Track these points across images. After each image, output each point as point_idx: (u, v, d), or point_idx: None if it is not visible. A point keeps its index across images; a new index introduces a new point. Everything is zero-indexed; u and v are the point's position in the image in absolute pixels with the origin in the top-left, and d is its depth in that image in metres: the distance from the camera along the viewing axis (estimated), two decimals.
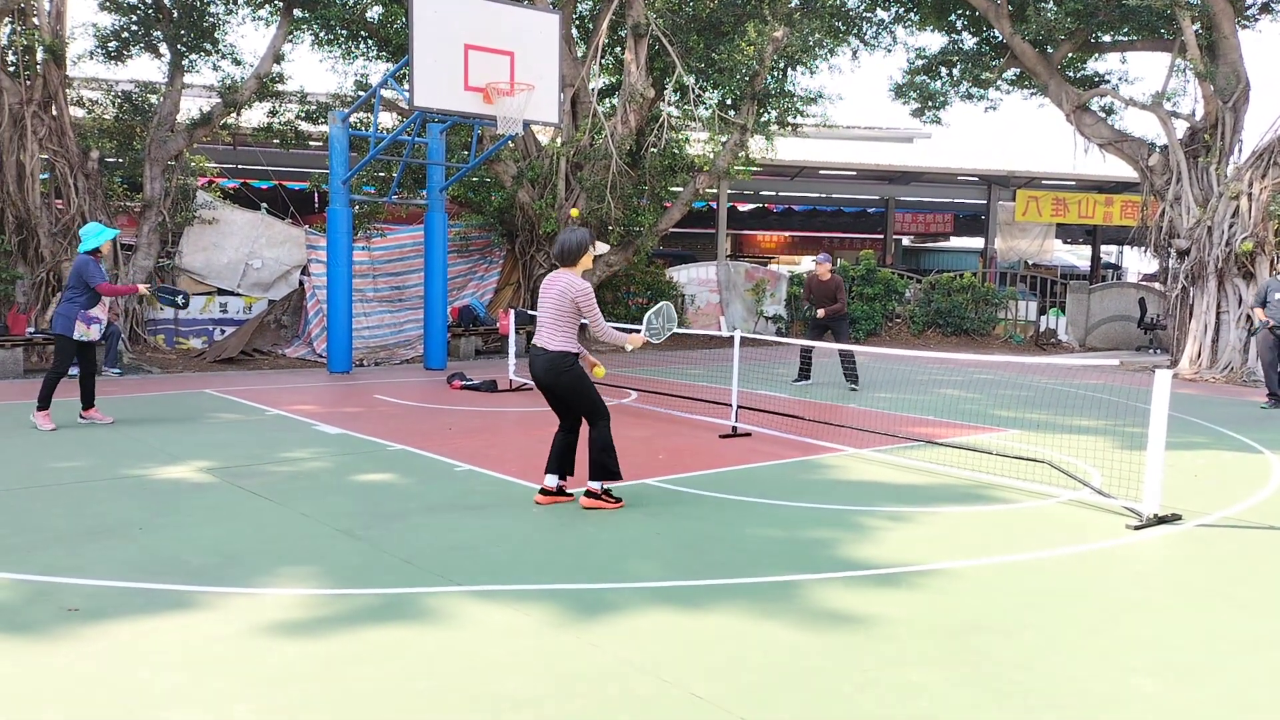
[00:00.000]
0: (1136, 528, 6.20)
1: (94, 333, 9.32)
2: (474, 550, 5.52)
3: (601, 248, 6.59)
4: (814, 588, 4.96)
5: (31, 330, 14.33)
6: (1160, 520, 6.30)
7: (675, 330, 7.01)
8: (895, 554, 5.55)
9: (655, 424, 10.08)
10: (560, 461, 6.60)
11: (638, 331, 6.78)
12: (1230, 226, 16.16)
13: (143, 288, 9.91)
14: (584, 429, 6.60)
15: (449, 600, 4.68)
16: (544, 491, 6.61)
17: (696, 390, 12.49)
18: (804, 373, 13.77)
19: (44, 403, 9.21)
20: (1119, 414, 11.45)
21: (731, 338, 9.90)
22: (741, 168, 20.01)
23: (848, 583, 5.04)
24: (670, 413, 10.80)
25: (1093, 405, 12.27)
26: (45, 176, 14.99)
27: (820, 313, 13.34)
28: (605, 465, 6.39)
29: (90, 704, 3.55)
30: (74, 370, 9.51)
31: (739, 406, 9.66)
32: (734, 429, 9.45)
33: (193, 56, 16.60)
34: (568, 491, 6.66)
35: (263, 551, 5.44)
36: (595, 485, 6.44)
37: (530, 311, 17.08)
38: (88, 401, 9.59)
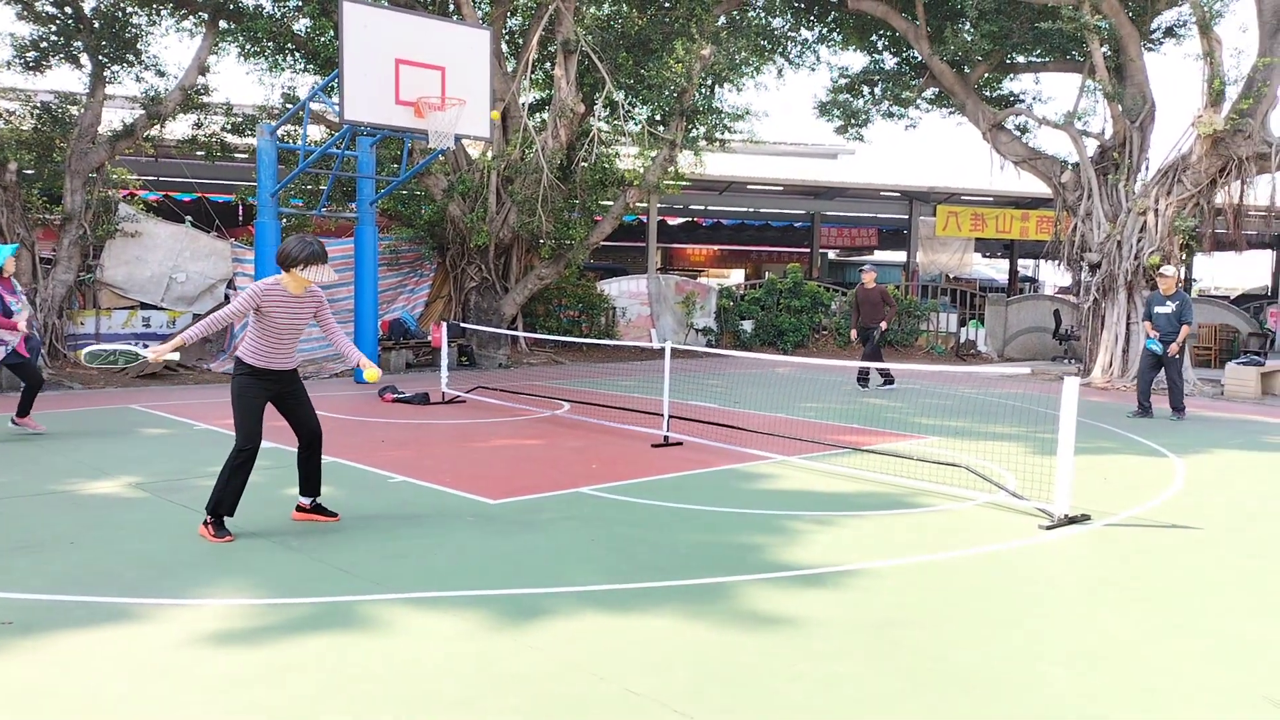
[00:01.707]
0: (1048, 528, 6.51)
1: (3, 350, 9.21)
2: (411, 559, 5.60)
3: (328, 276, 6.02)
4: (743, 589, 5.14)
5: None
6: (1070, 520, 6.62)
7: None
8: (821, 556, 5.77)
9: (588, 434, 10.22)
10: (302, 481, 6.41)
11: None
12: (1139, 241, 16.87)
13: (21, 325, 9.32)
14: (322, 444, 6.41)
15: (387, 608, 4.76)
16: (298, 509, 6.48)
17: (629, 401, 12.66)
18: (887, 377, 15.27)
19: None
20: (1033, 421, 11.90)
21: (662, 349, 10.09)
22: (671, 182, 20.30)
23: (775, 583, 5.23)
24: (603, 423, 10.94)
25: (1009, 413, 12.71)
26: None
27: (883, 325, 14.98)
28: (216, 490, 5.94)
29: (38, 713, 3.57)
30: None
31: (670, 416, 9.85)
32: (666, 438, 9.63)
33: (115, 67, 16.32)
34: (327, 510, 6.47)
35: (197, 564, 5.45)
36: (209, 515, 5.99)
37: (462, 324, 17.17)
38: (22, 410, 9.51)
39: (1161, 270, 12.78)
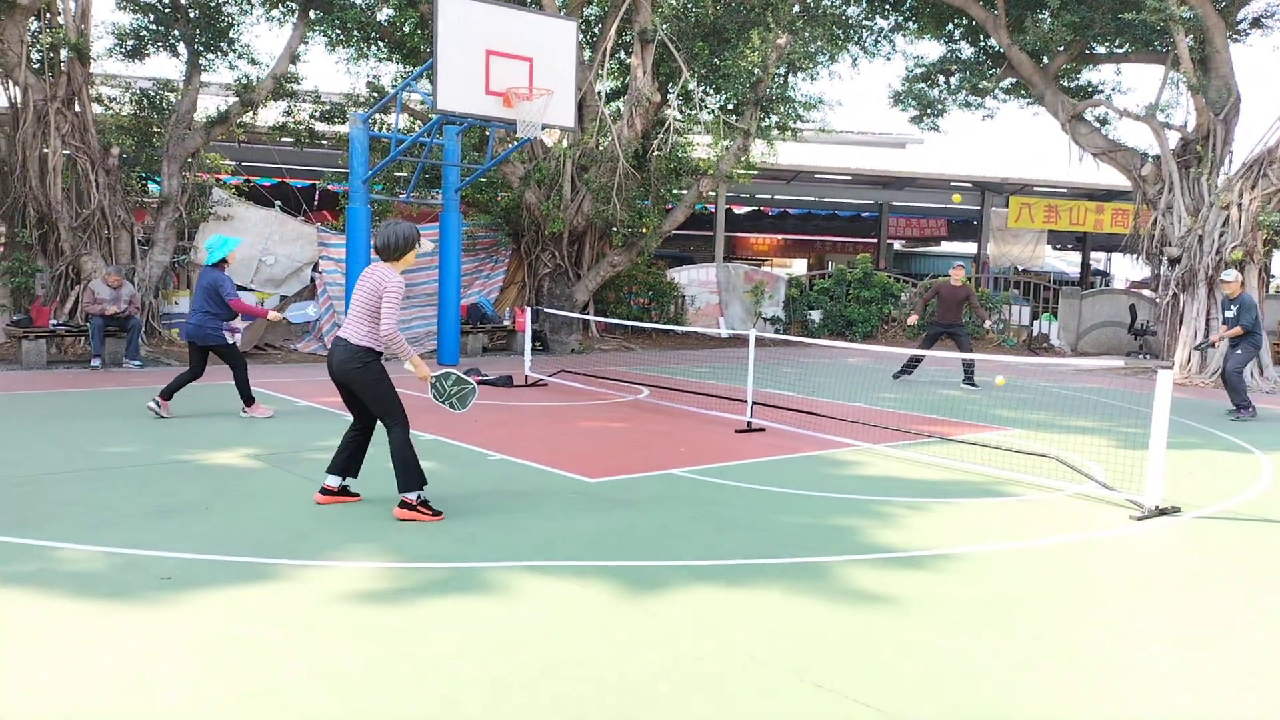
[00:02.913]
0: (1140, 518, 6.61)
1: (239, 338, 9.66)
2: (525, 530, 5.89)
3: (426, 245, 6.09)
4: (846, 568, 5.35)
5: (55, 323, 14.60)
6: (1161, 512, 6.71)
7: (466, 409, 6.62)
8: (918, 540, 5.95)
9: (671, 419, 10.46)
10: (345, 461, 6.35)
11: (429, 368, 6.43)
12: (1221, 235, 16.65)
13: (273, 314, 10.07)
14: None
15: (513, 574, 5.04)
16: (324, 490, 6.39)
17: (705, 387, 12.87)
18: (909, 368, 15.04)
19: (250, 398, 9.81)
20: (1114, 415, 11.89)
21: (729, 338, 10.27)
22: (743, 171, 20.43)
23: (877, 564, 5.43)
24: (684, 408, 11.18)
25: (1089, 406, 12.70)
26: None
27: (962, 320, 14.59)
28: (407, 472, 6.01)
29: (208, 657, 3.91)
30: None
31: (754, 403, 10.04)
32: (749, 424, 9.84)
33: (209, 56, 16.90)
34: (351, 491, 6.47)
35: (327, 529, 5.80)
36: (410, 495, 6.04)
37: (544, 309, 17.51)
38: (248, 399, 9.88)
39: (1224, 277, 12.62)
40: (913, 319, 14.94)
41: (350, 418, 6.42)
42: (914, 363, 15.10)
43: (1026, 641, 4.34)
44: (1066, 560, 5.63)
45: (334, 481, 6.38)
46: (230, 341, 9.79)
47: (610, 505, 6.60)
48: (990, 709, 3.66)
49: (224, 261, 9.53)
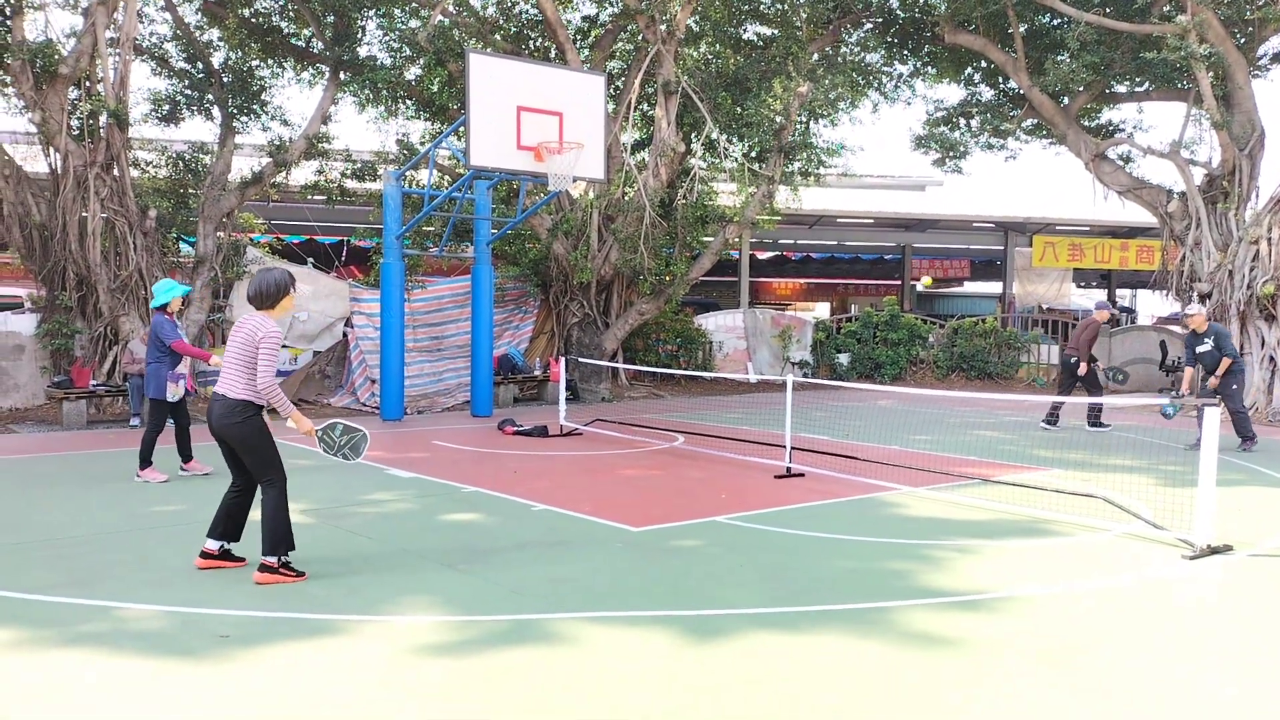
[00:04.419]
0: (1192, 558, 6.55)
1: (180, 389, 9.59)
2: (575, 581, 5.90)
3: (303, 289, 5.83)
4: (903, 613, 5.32)
5: (95, 383, 14.81)
6: (1214, 551, 6.64)
7: (361, 458, 6.48)
8: (971, 583, 5.91)
9: (709, 465, 10.47)
10: (224, 524, 6.10)
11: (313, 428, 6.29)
12: (1251, 270, 16.59)
13: (215, 359, 9.25)
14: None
15: (568, 625, 5.05)
16: (204, 554, 6.11)
17: (737, 433, 12.87)
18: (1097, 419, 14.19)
19: (145, 461, 9.43)
20: (1153, 453, 11.79)
21: (757, 383, 10.28)
22: (767, 218, 20.56)
23: (934, 608, 5.40)
24: (721, 454, 11.18)
25: (1126, 445, 12.61)
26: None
27: (1083, 367, 13.87)
28: (275, 537, 5.82)
29: (266, 717, 3.94)
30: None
31: (792, 448, 10.04)
32: (788, 469, 9.82)
33: (243, 118, 17.26)
34: (235, 556, 6.16)
35: (379, 583, 5.83)
36: (271, 559, 5.83)
37: (575, 358, 17.60)
38: (185, 455, 9.76)
39: (1187, 310, 12.55)
40: (1083, 369, 14.06)
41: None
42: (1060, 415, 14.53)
43: (1095, 686, 4.30)
44: (1125, 602, 5.58)
45: (214, 545, 6.11)
46: (170, 397, 9.47)
47: (657, 554, 6.60)
48: None
49: (165, 308, 9.42)
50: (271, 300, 5.93)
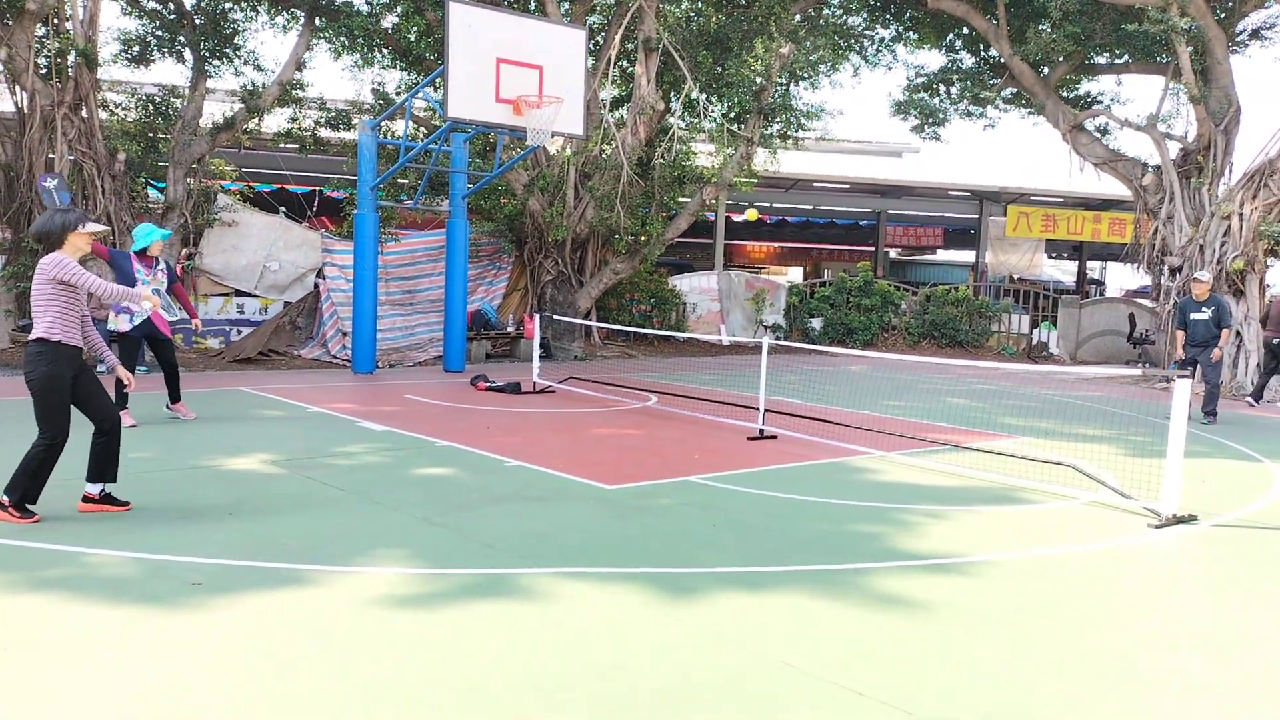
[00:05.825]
0: (1157, 526, 6.65)
1: (123, 322, 9.40)
2: (548, 537, 5.90)
3: (94, 227, 5.97)
4: (871, 575, 5.37)
5: None
6: (1179, 520, 6.75)
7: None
8: (940, 546, 5.98)
9: (683, 426, 10.49)
10: (96, 467, 6.13)
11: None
12: (1222, 245, 16.75)
13: (145, 304, 8.73)
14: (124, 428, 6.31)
15: (539, 580, 5.06)
16: (86, 499, 6.17)
17: (712, 394, 12.89)
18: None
19: (175, 398, 9.63)
20: (1120, 424, 11.94)
21: (730, 344, 10.31)
22: (745, 180, 20.49)
23: (902, 571, 5.46)
24: (694, 415, 11.20)
25: (1094, 415, 12.76)
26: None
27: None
28: (16, 480, 5.84)
29: (237, 666, 3.92)
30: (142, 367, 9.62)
31: (765, 410, 10.07)
32: (761, 431, 9.86)
33: (215, 62, 16.90)
34: (118, 500, 6.22)
35: (352, 535, 5.81)
36: (4, 497, 5.90)
37: (553, 315, 17.54)
38: (174, 396, 9.77)
39: (1196, 276, 12.65)
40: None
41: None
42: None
43: (1057, 649, 4.37)
44: (1090, 568, 5.66)
45: (94, 489, 6.15)
46: (110, 327, 9.38)
47: (631, 512, 6.62)
48: (1024, 718, 3.69)
49: (146, 251, 9.36)
50: (58, 240, 5.90)
